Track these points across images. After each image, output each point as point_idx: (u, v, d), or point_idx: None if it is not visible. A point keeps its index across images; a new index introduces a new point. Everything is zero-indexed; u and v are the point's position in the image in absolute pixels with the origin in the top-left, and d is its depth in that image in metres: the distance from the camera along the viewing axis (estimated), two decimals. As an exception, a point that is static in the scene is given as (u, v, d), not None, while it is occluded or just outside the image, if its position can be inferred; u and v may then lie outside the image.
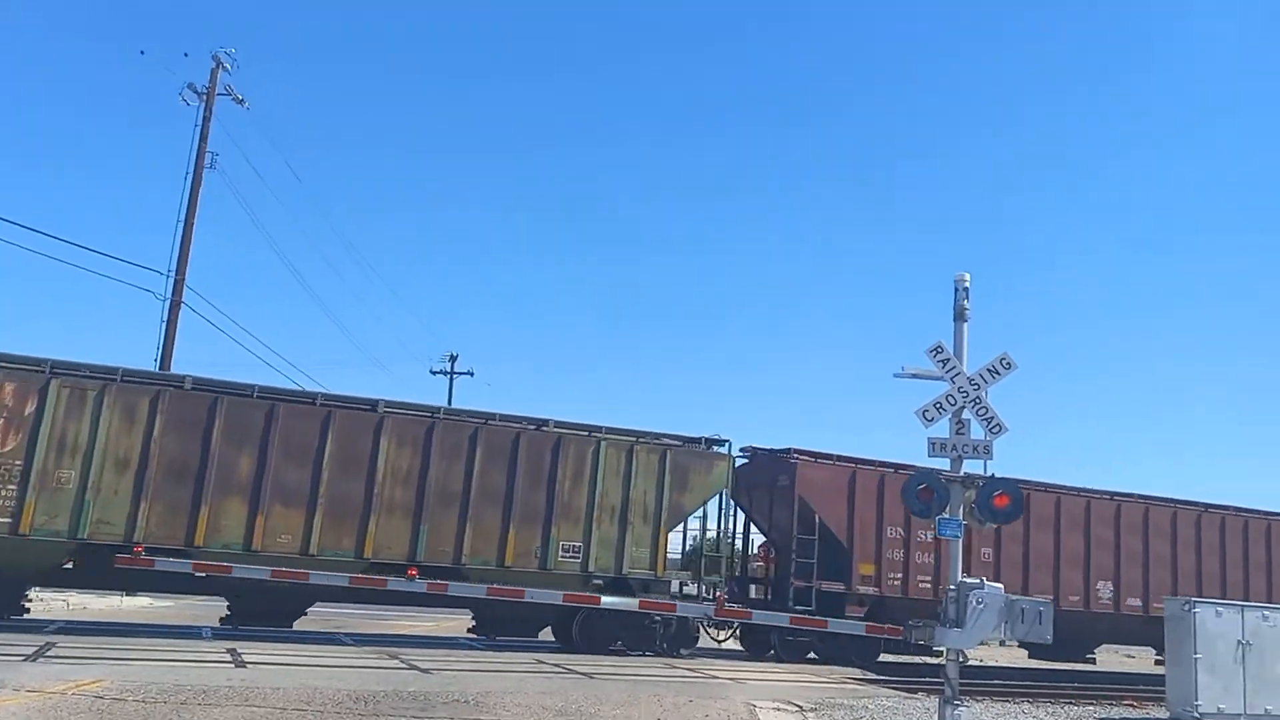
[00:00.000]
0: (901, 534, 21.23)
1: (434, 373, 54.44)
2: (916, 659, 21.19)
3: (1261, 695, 14.92)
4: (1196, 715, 14.33)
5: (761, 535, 23.24)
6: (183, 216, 27.57)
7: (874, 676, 18.74)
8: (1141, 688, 18.93)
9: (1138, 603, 22.92)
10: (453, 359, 54.63)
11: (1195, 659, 14.60)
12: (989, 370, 11.74)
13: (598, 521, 18.62)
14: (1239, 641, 14.96)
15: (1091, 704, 16.63)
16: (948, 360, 11.78)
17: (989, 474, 11.70)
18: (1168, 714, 15.03)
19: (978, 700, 15.31)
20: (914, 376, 12.11)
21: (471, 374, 54.64)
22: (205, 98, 28.83)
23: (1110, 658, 29.58)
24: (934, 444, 11.71)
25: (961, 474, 11.55)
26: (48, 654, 13.36)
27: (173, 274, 26.92)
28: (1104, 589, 22.71)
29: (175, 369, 24.70)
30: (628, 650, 18.88)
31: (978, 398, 11.61)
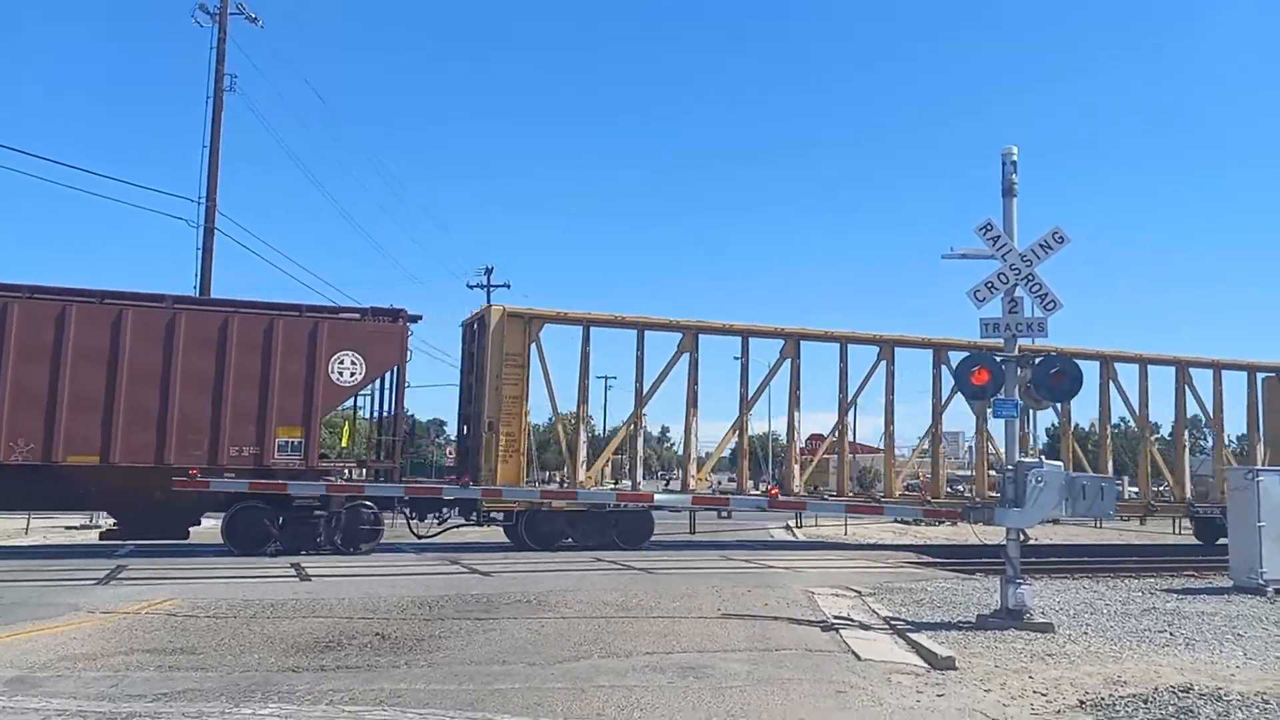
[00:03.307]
0: None
1: (471, 286, 54.38)
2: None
3: (1327, 561, 14.72)
4: (1261, 582, 14.20)
5: None
6: (207, 143, 27.32)
7: (931, 560, 18.78)
8: (1201, 558, 18.80)
9: None
10: (488, 272, 54.48)
11: (1260, 527, 14.41)
12: (1041, 245, 11.30)
13: None
14: (1304, 508, 14.71)
15: (1152, 577, 16.55)
16: (998, 238, 11.35)
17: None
18: (1231, 582, 14.92)
19: (1037, 579, 15.27)
20: (963, 257, 11.72)
21: (508, 286, 54.56)
22: (217, 18, 28.27)
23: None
24: (986, 324, 11.38)
25: (1016, 353, 11.28)
26: (119, 576, 13.74)
27: (204, 201, 26.80)
28: None
29: (214, 294, 24.87)
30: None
31: (1030, 274, 11.22)
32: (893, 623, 10.61)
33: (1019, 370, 11.10)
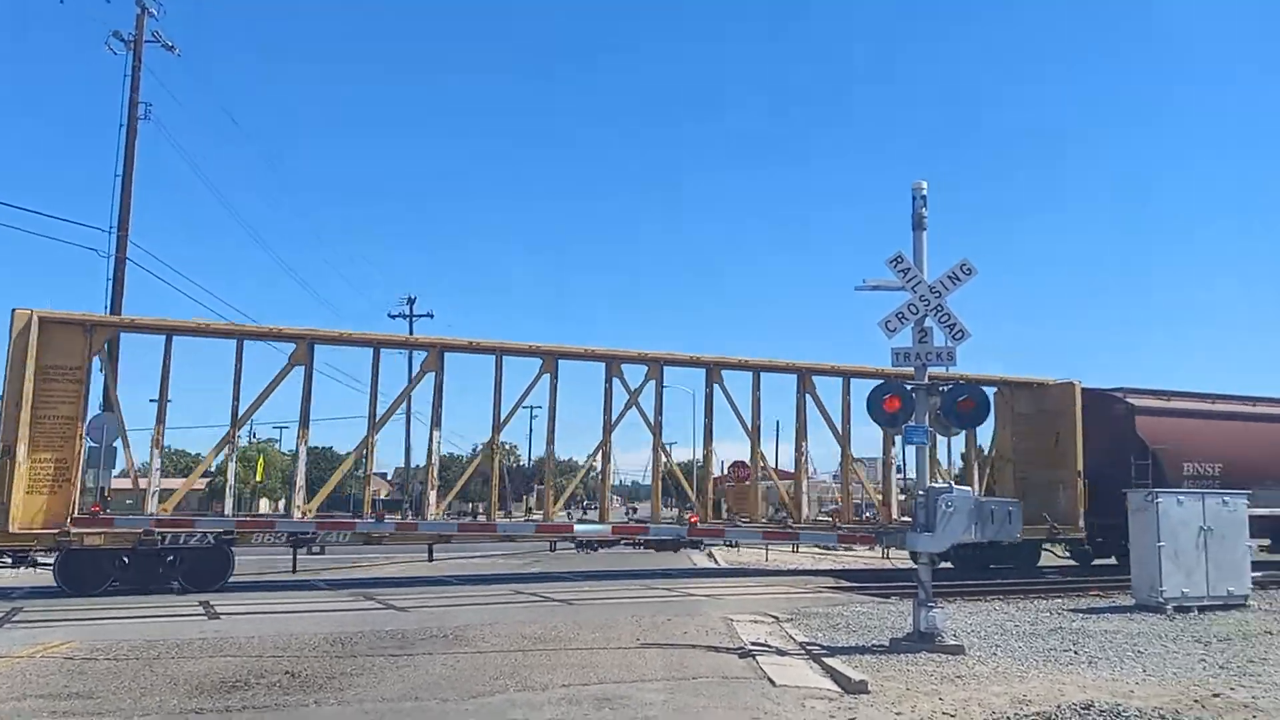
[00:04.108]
0: None
1: (393, 316, 53.83)
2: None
3: (1222, 578, 15.31)
4: (1161, 600, 14.69)
5: None
6: (121, 171, 26.55)
7: (848, 584, 19.02)
8: (1106, 578, 19.38)
9: None
10: (411, 301, 54.04)
11: (1159, 547, 14.92)
12: (949, 277, 11.62)
13: None
14: (1200, 528, 15.30)
15: (1060, 597, 17.00)
16: (908, 270, 11.65)
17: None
18: (1134, 601, 15.40)
19: (950, 601, 15.57)
20: (875, 288, 12.00)
21: (431, 315, 54.17)
22: (133, 46, 27.62)
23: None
24: (898, 354, 11.64)
25: (925, 381, 11.55)
26: (14, 619, 13.19)
27: (115, 230, 26.03)
28: None
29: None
30: None
31: (939, 305, 11.52)
32: (808, 648, 10.71)
33: (929, 398, 11.37)
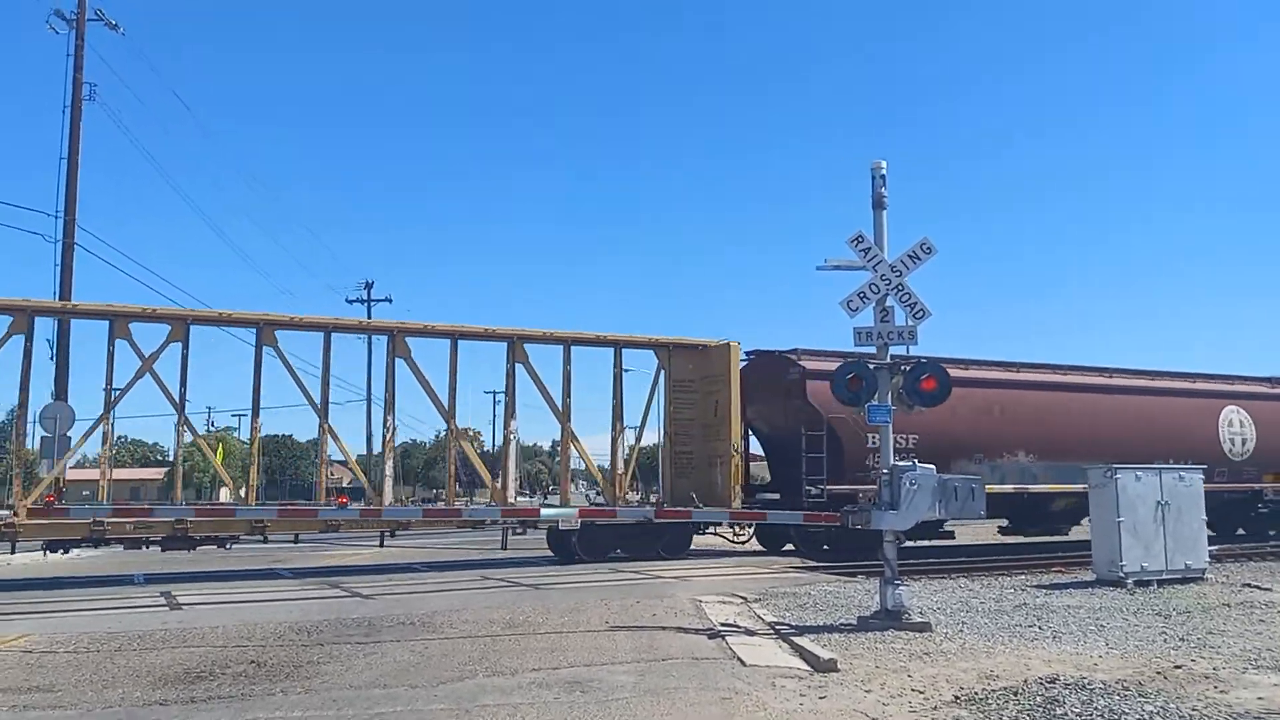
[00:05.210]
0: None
1: (350, 301, 53.43)
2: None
3: (1180, 552, 15.60)
4: (1121, 575, 14.93)
5: None
6: (65, 154, 26.00)
7: (815, 564, 19.13)
8: (1070, 555, 19.64)
9: None
10: (368, 286, 53.65)
11: (1118, 522, 15.15)
12: (909, 256, 11.67)
13: None
14: (1158, 503, 15.55)
15: (1023, 574, 17.21)
16: (869, 249, 11.69)
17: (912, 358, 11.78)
18: (1094, 576, 15.64)
19: (915, 579, 15.72)
20: (836, 268, 12.02)
21: (390, 300, 53.82)
22: (75, 24, 27.03)
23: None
24: (859, 333, 11.68)
25: (888, 360, 11.61)
26: (-31, 613, 12.90)
27: (61, 215, 25.52)
28: None
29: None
30: None
31: (900, 284, 11.57)
32: (777, 627, 10.75)
33: (891, 377, 11.44)
